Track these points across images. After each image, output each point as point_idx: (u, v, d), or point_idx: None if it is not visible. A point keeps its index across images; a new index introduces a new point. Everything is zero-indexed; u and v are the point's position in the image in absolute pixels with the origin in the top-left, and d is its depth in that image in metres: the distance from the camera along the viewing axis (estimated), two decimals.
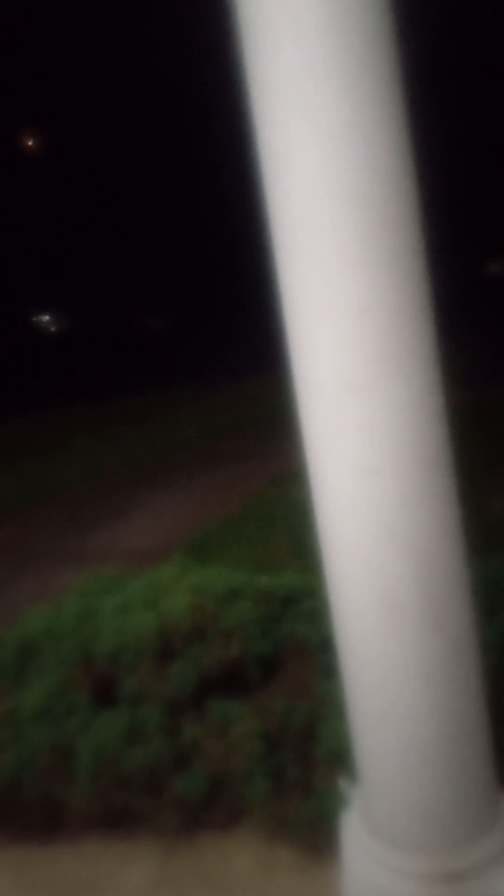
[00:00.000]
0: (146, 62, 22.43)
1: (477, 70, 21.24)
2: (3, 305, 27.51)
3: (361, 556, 1.57)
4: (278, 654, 2.58)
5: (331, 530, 1.64)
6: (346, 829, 1.86)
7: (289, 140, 1.46)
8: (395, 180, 1.45)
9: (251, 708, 2.39)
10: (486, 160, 23.28)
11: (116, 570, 3.25)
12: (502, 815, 1.71)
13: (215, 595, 2.61)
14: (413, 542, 1.53)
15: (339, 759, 2.12)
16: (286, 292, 1.55)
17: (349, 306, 1.46)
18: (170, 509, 6.43)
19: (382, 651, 1.59)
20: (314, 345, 1.52)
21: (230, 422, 10.54)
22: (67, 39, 21.97)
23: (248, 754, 2.25)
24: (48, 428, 12.07)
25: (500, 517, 4.51)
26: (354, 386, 1.49)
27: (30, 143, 26.37)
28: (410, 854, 1.65)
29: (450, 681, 1.59)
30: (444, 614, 1.57)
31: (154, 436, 10.14)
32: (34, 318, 33.97)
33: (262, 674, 2.54)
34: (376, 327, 1.46)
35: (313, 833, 2.10)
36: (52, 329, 34.59)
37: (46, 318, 34.69)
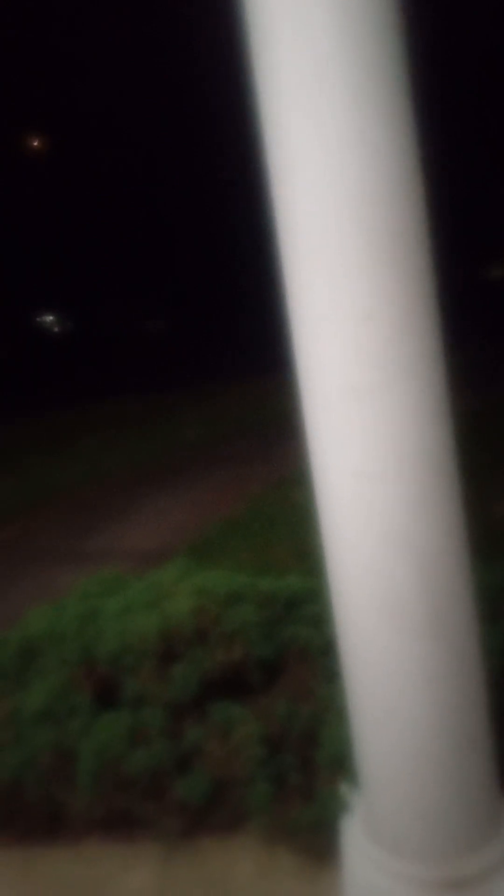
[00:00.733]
0: (149, 64, 22.45)
1: (479, 72, 21.24)
2: (6, 306, 27.53)
3: (364, 561, 1.57)
4: (280, 657, 2.57)
5: (334, 534, 1.63)
6: (347, 834, 1.86)
7: (295, 142, 1.46)
8: (402, 184, 1.45)
9: (253, 711, 2.38)
10: (489, 163, 23.28)
11: (118, 571, 3.24)
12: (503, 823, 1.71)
13: (218, 598, 2.61)
14: (416, 547, 1.53)
15: (341, 763, 2.12)
16: (292, 296, 1.56)
17: (354, 311, 1.46)
18: (171, 511, 6.43)
19: (384, 655, 1.59)
20: (319, 349, 1.52)
21: (232, 424, 10.55)
22: (70, 40, 22.00)
23: (250, 758, 2.25)
24: (50, 429, 12.09)
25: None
26: (359, 390, 1.49)
27: (32, 144, 26.40)
28: (411, 860, 1.65)
29: (451, 686, 1.59)
30: (446, 619, 1.57)
31: (156, 437, 10.15)
32: (37, 319, 33.99)
33: (265, 677, 2.53)
34: (381, 332, 1.46)
35: (315, 838, 2.09)
36: (55, 330, 34.62)
37: (49, 318, 34.73)
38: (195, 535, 5.41)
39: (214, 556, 4.56)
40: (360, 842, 1.77)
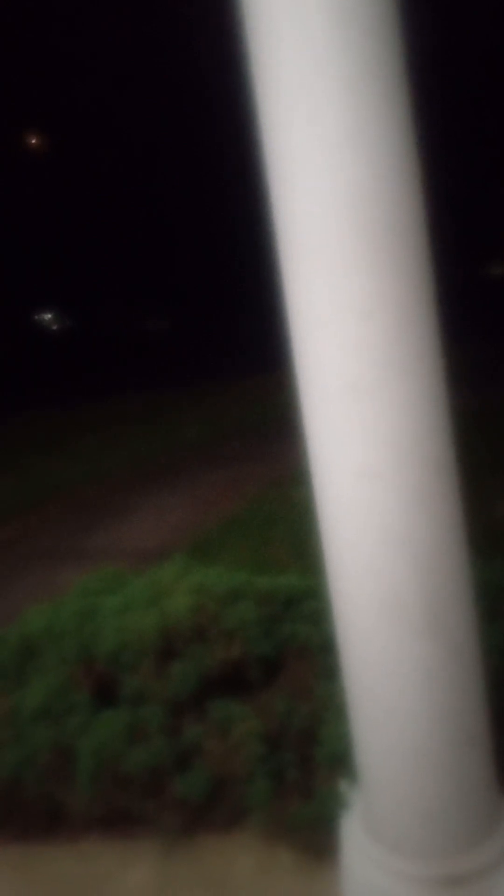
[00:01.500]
0: (149, 63, 22.44)
1: (478, 71, 21.23)
2: (5, 304, 27.51)
3: (363, 559, 1.57)
4: (280, 655, 2.58)
5: (333, 532, 1.64)
6: (346, 831, 1.86)
7: (295, 142, 1.46)
8: (401, 182, 1.45)
9: (252, 709, 2.39)
10: (488, 162, 23.28)
11: (117, 569, 3.24)
12: (503, 820, 1.71)
13: (217, 595, 2.61)
14: (415, 545, 1.53)
15: (340, 761, 2.12)
16: (291, 295, 1.56)
17: (354, 309, 1.46)
18: (171, 509, 6.43)
19: (383, 653, 1.59)
20: (318, 348, 1.52)
21: (232, 423, 10.54)
22: (69, 39, 21.98)
23: (250, 755, 2.25)
24: (49, 428, 12.08)
25: (503, 521, 4.50)
26: (358, 389, 1.49)
27: (32, 142, 26.38)
28: (410, 858, 1.65)
29: (450, 684, 1.59)
30: (445, 617, 1.57)
31: (155, 436, 10.15)
32: (35, 317, 33.98)
33: (264, 675, 2.54)
34: (381, 331, 1.46)
35: (314, 835, 2.10)
36: (54, 328, 34.60)
37: (48, 316, 34.71)
38: (195, 533, 5.41)
39: (214, 554, 4.56)
40: (360, 839, 1.77)
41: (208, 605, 2.57)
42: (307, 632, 2.57)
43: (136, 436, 10.28)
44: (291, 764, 2.26)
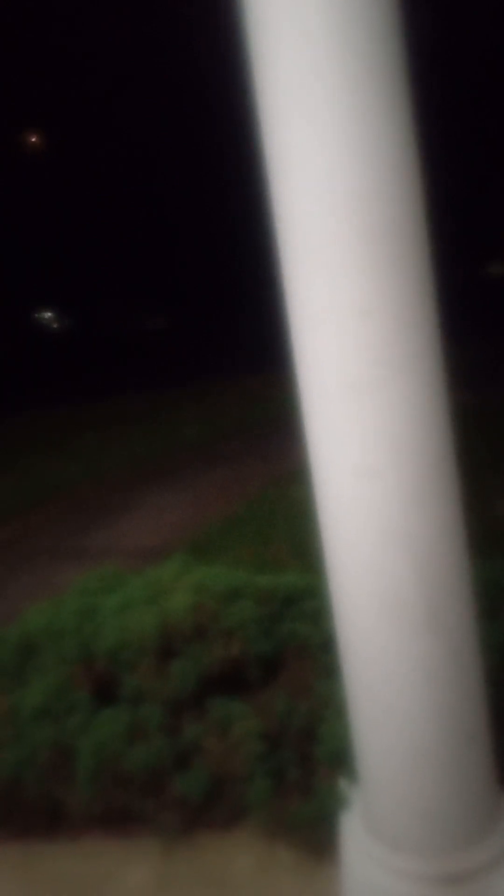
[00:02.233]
0: (148, 61, 22.44)
1: (478, 70, 21.23)
2: (4, 303, 27.51)
3: (363, 558, 1.57)
4: (279, 653, 2.58)
5: (332, 531, 1.64)
6: (346, 829, 1.86)
7: (293, 140, 1.46)
8: (400, 181, 1.45)
9: (252, 707, 2.39)
10: (487, 161, 23.28)
11: (117, 567, 3.24)
12: (502, 818, 1.71)
13: (216, 594, 2.61)
14: (414, 544, 1.53)
15: (340, 759, 2.12)
16: (290, 293, 1.56)
17: (353, 308, 1.46)
18: (171, 508, 6.44)
19: (383, 652, 1.60)
20: (317, 346, 1.53)
21: (232, 422, 10.55)
22: (69, 37, 21.97)
23: (249, 754, 2.25)
24: (49, 427, 12.08)
25: (502, 520, 4.51)
26: (357, 387, 1.49)
27: (32, 141, 26.37)
28: (410, 855, 1.65)
29: (450, 682, 1.59)
30: (445, 615, 1.57)
31: (155, 435, 10.15)
32: (36, 316, 33.98)
33: (263, 673, 2.54)
34: (380, 329, 1.46)
35: (313, 833, 2.10)
36: (54, 326, 34.61)
37: (48, 315, 34.72)
38: (194, 532, 5.41)
39: (213, 553, 4.56)
40: (359, 837, 1.77)
41: (208, 603, 2.57)
42: (307, 631, 2.58)
43: (135, 435, 10.29)
44: (291, 762, 2.27)
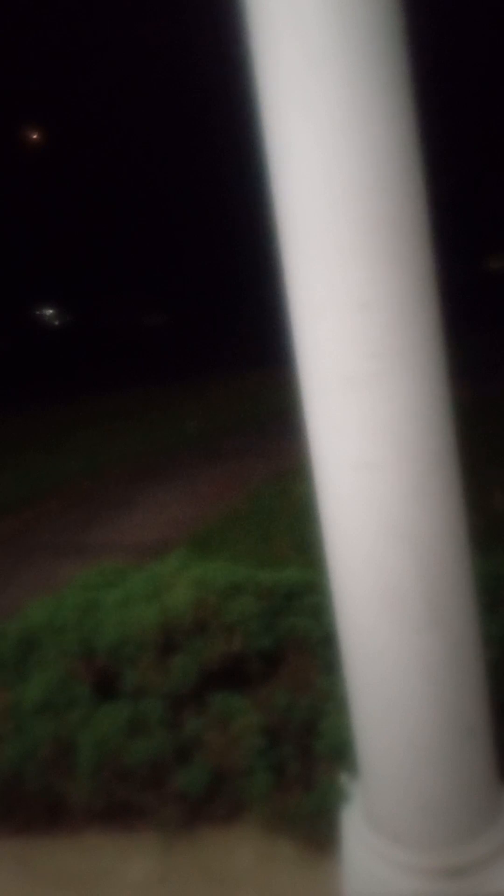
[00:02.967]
0: (148, 56, 22.38)
1: (478, 65, 21.18)
2: (5, 299, 27.49)
3: (363, 552, 1.57)
4: (280, 648, 2.58)
5: (333, 526, 1.64)
6: (346, 823, 1.87)
7: (290, 131, 1.46)
8: (400, 174, 1.45)
9: (253, 702, 2.39)
10: (488, 154, 23.23)
11: (118, 563, 3.24)
12: (503, 811, 1.71)
13: (217, 589, 2.61)
14: (415, 538, 1.53)
15: (341, 753, 2.12)
16: (290, 287, 1.55)
17: (351, 300, 1.46)
18: (171, 504, 6.44)
19: (384, 646, 1.60)
20: (317, 339, 1.52)
21: (232, 416, 10.55)
22: (68, 33, 21.92)
23: (250, 748, 2.25)
24: (50, 422, 12.09)
25: (503, 513, 4.51)
26: (356, 380, 1.49)
27: (32, 136, 26.33)
28: (411, 849, 1.65)
29: (451, 676, 1.59)
30: (445, 610, 1.57)
31: (155, 430, 10.15)
32: (36, 312, 33.97)
33: (264, 668, 2.54)
34: (378, 322, 1.46)
35: (314, 827, 2.10)
36: (55, 323, 34.60)
37: (49, 311, 34.70)
38: (195, 527, 5.42)
39: (214, 548, 4.57)
40: (360, 831, 1.77)
41: (209, 598, 2.57)
42: (307, 625, 2.58)
43: (135, 431, 10.29)
44: (292, 756, 2.27)
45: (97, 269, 28.92)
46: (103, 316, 32.09)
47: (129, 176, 26.08)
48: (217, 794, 2.27)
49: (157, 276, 29.81)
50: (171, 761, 2.28)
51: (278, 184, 1.52)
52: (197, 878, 2.14)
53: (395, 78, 1.44)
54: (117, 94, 23.43)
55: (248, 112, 1.58)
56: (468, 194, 22.05)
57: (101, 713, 2.39)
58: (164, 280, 30.17)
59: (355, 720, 1.74)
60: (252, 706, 2.37)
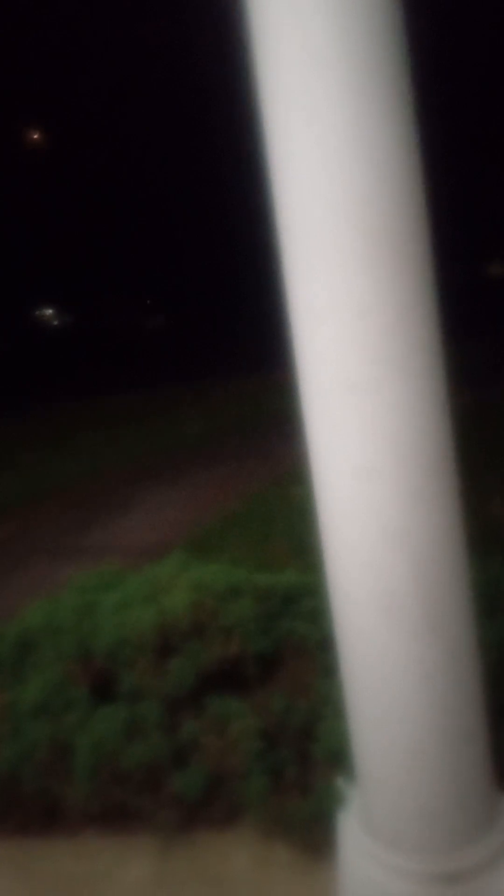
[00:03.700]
0: (150, 58, 22.40)
1: (478, 69, 21.20)
2: (5, 300, 27.50)
3: (361, 557, 1.57)
4: (278, 652, 2.58)
5: (331, 530, 1.64)
6: (343, 828, 1.86)
7: (294, 141, 1.46)
8: (400, 180, 1.45)
9: (250, 706, 2.39)
10: (488, 160, 23.25)
11: (116, 565, 3.24)
12: (500, 816, 1.71)
13: (215, 592, 2.61)
14: (413, 543, 1.54)
15: (338, 758, 2.12)
16: (290, 292, 1.56)
17: (352, 307, 1.46)
18: (170, 507, 6.43)
19: (382, 650, 1.60)
20: (317, 344, 1.53)
21: (231, 420, 10.54)
22: (69, 33, 21.93)
23: (247, 752, 2.25)
24: (49, 424, 12.09)
25: (501, 519, 4.51)
26: (356, 386, 1.49)
27: (33, 137, 26.35)
28: (408, 854, 1.65)
29: (449, 681, 1.59)
30: (443, 615, 1.57)
31: (155, 433, 10.15)
32: (36, 313, 33.98)
33: (262, 672, 2.54)
34: (378, 328, 1.46)
35: (311, 832, 2.10)
36: (55, 324, 34.61)
37: (48, 312, 34.71)
38: (194, 530, 5.41)
39: (213, 551, 4.56)
40: (357, 835, 1.77)
41: (207, 601, 2.57)
42: (305, 629, 2.58)
43: (135, 433, 10.28)
44: (289, 761, 2.27)
45: (97, 269, 28.92)
46: (104, 317, 32.12)
47: (129, 176, 26.09)
48: (214, 798, 2.26)
49: (158, 277, 29.83)
50: (168, 764, 2.28)
51: (279, 186, 1.52)
52: (193, 882, 2.14)
53: (397, 84, 1.44)
54: (117, 94, 23.44)
55: (249, 113, 1.58)
56: (469, 200, 22.07)
57: (99, 715, 2.39)
58: (165, 282, 30.19)
59: (353, 724, 1.74)
60: (249, 710, 2.37)
